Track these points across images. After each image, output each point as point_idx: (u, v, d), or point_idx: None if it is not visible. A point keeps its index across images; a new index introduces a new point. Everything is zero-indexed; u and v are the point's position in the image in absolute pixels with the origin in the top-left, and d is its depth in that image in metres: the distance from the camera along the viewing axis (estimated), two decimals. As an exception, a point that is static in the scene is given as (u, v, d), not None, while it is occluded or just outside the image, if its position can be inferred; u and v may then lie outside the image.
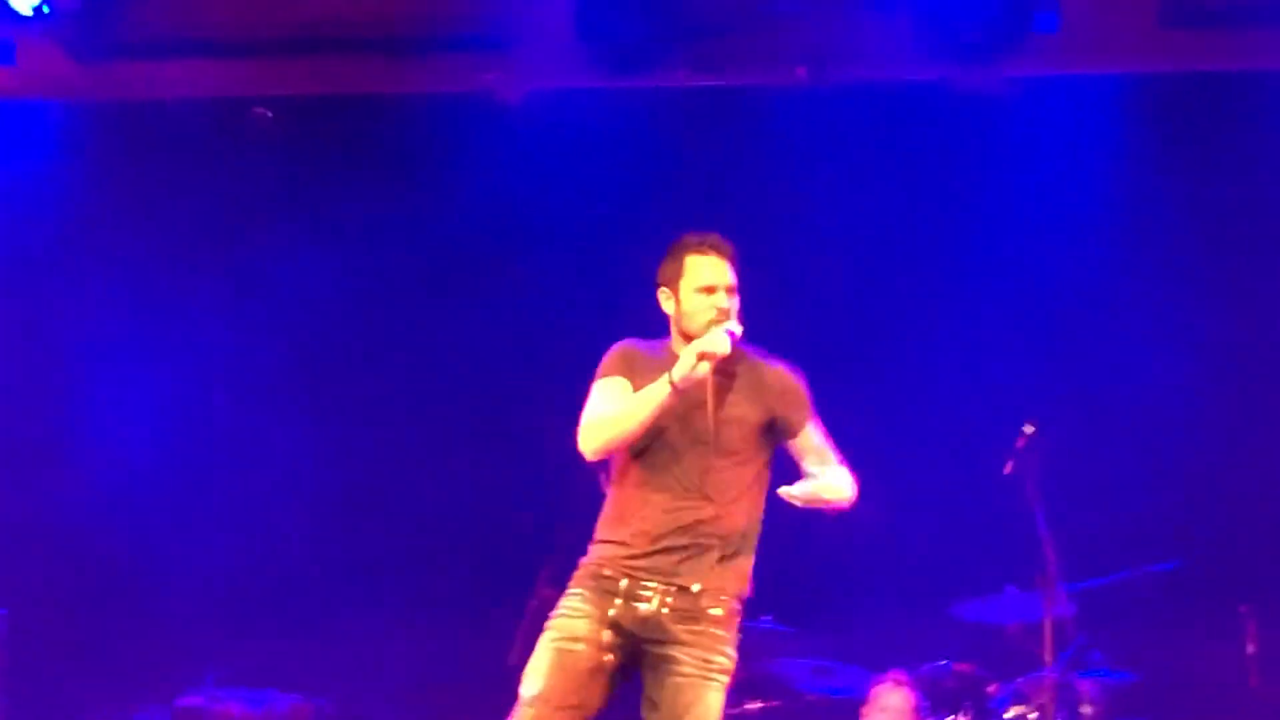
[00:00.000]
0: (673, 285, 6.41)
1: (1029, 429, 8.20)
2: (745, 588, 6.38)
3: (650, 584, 6.27)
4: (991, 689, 9.39)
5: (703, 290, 6.35)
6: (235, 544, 10.62)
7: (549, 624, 6.36)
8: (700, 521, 6.28)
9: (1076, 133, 10.38)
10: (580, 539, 6.58)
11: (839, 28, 10.06)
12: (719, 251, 6.38)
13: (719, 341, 6.21)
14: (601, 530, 6.43)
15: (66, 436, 10.82)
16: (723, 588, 6.30)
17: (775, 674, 9.33)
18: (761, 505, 6.41)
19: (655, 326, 6.49)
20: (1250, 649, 8.59)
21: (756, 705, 9.25)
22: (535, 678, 6.27)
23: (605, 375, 6.40)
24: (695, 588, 6.26)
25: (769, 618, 9.03)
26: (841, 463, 6.49)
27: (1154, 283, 10.30)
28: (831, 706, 9.39)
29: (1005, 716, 9.30)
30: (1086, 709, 9.13)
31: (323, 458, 10.71)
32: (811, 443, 6.45)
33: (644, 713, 6.30)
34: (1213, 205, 10.26)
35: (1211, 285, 10.26)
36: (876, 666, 9.09)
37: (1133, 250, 10.34)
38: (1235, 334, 10.29)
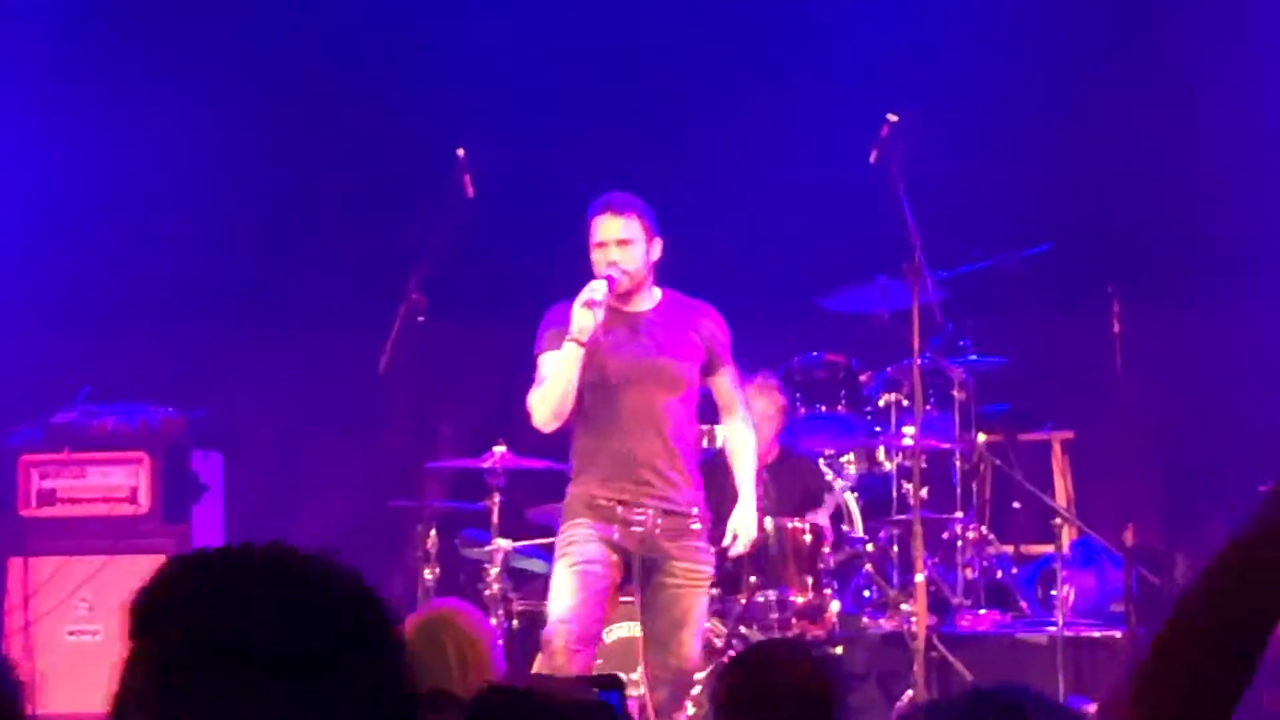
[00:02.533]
0: (588, 248, 7.14)
1: (892, 117, 8.18)
2: (703, 498, 7.22)
3: (639, 508, 7.04)
4: (864, 378, 9.50)
5: (596, 247, 7.10)
6: (110, 260, 10.50)
7: (563, 551, 7.10)
8: (655, 452, 7.06)
9: None
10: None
11: None
12: (610, 209, 7.11)
13: (596, 289, 6.95)
14: (578, 472, 7.20)
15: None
16: (694, 502, 7.15)
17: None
18: (694, 422, 7.29)
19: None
20: (1115, 329, 8.68)
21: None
22: (563, 598, 7.03)
23: (538, 352, 7.16)
24: (677, 508, 7.07)
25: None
26: (746, 415, 7.46)
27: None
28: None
29: (878, 403, 9.43)
30: (957, 393, 9.26)
31: (200, 177, 10.58)
32: (725, 385, 7.34)
33: (643, 618, 7.16)
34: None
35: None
36: (750, 361, 9.14)
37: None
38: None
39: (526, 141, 10.03)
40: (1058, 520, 9.07)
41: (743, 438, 7.41)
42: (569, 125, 10.25)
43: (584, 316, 6.93)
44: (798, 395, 9.28)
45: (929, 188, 8.51)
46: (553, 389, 7.03)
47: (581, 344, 6.95)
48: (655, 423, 7.08)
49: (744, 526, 7.31)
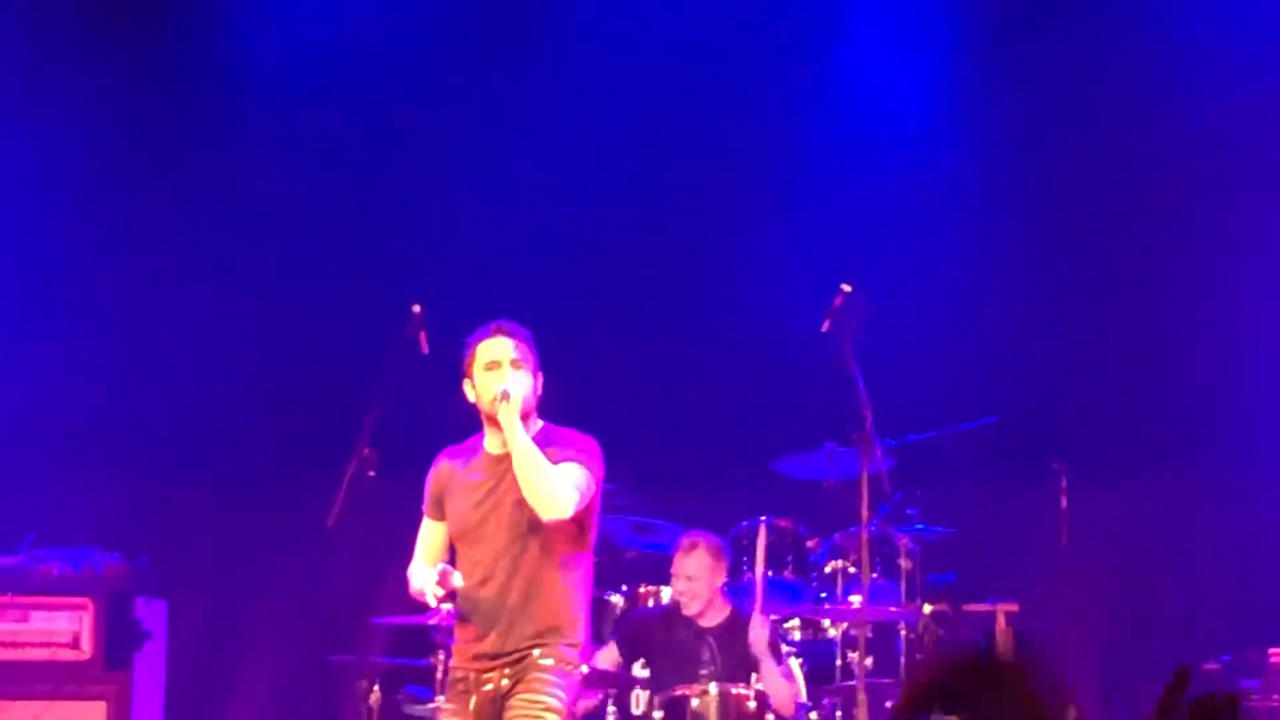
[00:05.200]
0: (469, 373, 7.03)
1: (846, 287, 8.26)
2: (571, 636, 6.90)
3: (489, 672, 6.86)
4: (811, 544, 9.52)
5: (489, 367, 6.95)
6: (58, 403, 10.49)
7: None
8: (495, 598, 6.87)
9: None
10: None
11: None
12: (503, 332, 7.01)
13: (512, 382, 6.85)
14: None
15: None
16: (543, 642, 6.83)
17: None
18: (576, 569, 6.95)
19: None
20: (1062, 504, 8.75)
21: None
22: None
23: (424, 514, 7.17)
24: (522, 654, 6.83)
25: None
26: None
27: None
28: (649, 561, 9.49)
29: (824, 570, 9.44)
30: (904, 562, 9.28)
31: (151, 323, 10.60)
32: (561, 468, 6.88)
33: None
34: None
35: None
36: (695, 523, 9.17)
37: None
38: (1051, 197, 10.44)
39: (480, 299, 10.08)
40: (1001, 692, 9.03)
41: None
42: (525, 285, 10.31)
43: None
44: (744, 560, 9.29)
45: (879, 357, 8.58)
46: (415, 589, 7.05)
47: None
48: (522, 569, 6.90)
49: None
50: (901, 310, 9.82)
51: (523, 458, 6.81)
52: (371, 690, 8.59)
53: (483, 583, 6.90)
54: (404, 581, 9.28)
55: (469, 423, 9.56)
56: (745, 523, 9.36)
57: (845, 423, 8.42)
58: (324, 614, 10.06)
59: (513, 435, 6.85)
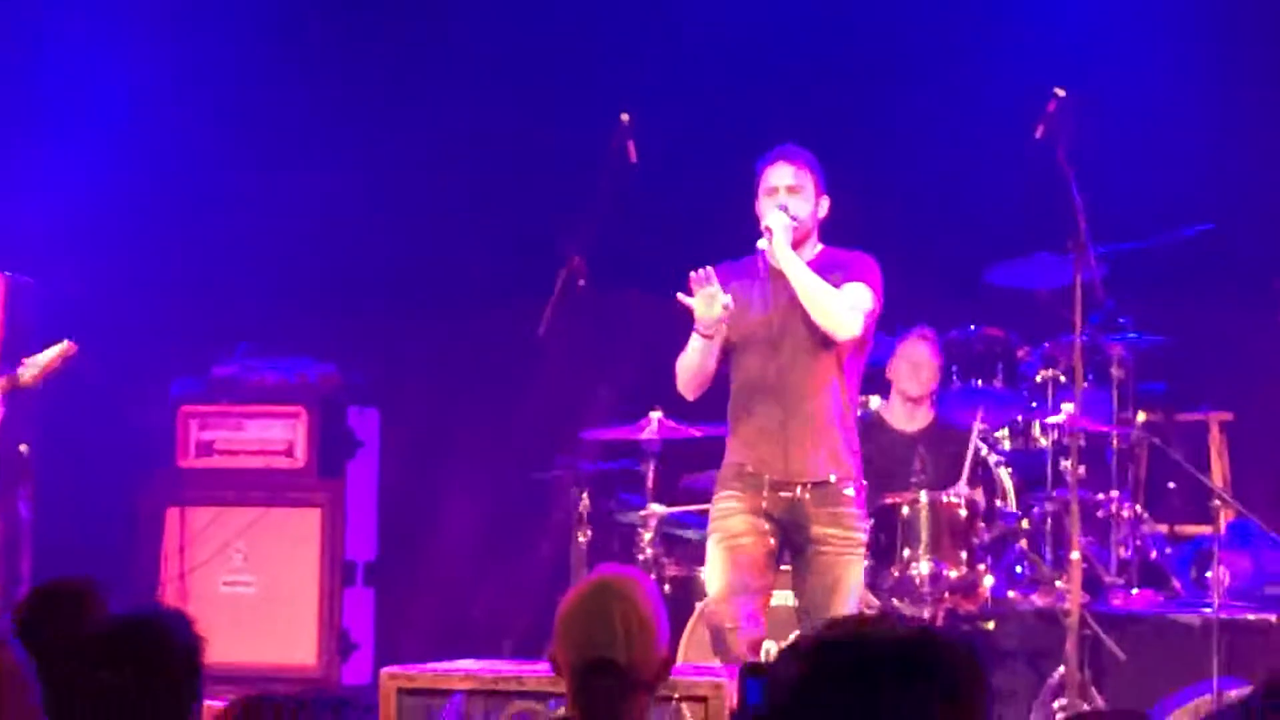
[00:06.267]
0: (756, 197, 7.23)
1: (1060, 92, 8.11)
2: (857, 464, 7.15)
3: (787, 475, 7.01)
4: (1021, 353, 9.44)
5: (766, 193, 7.19)
6: (272, 220, 10.60)
7: (711, 528, 7.13)
8: (803, 417, 7.02)
9: None
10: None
11: None
12: (784, 158, 7.21)
13: (772, 218, 7.05)
14: (730, 436, 7.21)
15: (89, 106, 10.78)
16: (844, 469, 7.07)
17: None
18: (851, 387, 7.19)
19: None
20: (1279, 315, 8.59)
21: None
22: (715, 578, 7.05)
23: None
24: (827, 476, 7.02)
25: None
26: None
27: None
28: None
29: (1035, 379, 9.37)
30: (1115, 371, 9.19)
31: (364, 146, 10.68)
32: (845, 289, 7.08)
33: (794, 588, 7.14)
34: None
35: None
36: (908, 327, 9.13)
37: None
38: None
39: (690, 109, 10.04)
40: (1215, 501, 8.98)
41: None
42: (732, 94, 10.24)
43: (703, 308, 6.97)
44: (954, 368, 9.24)
45: (1093, 163, 8.43)
46: (684, 369, 7.16)
47: (706, 336, 7.02)
48: (802, 386, 7.06)
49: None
50: (1119, 115, 9.63)
51: (802, 287, 7.01)
52: (582, 497, 8.67)
53: (769, 393, 7.05)
54: (617, 390, 9.37)
55: (678, 233, 9.59)
56: (955, 331, 9.30)
57: (1059, 230, 8.31)
58: (535, 424, 10.17)
59: (786, 267, 7.04)
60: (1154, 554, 9.22)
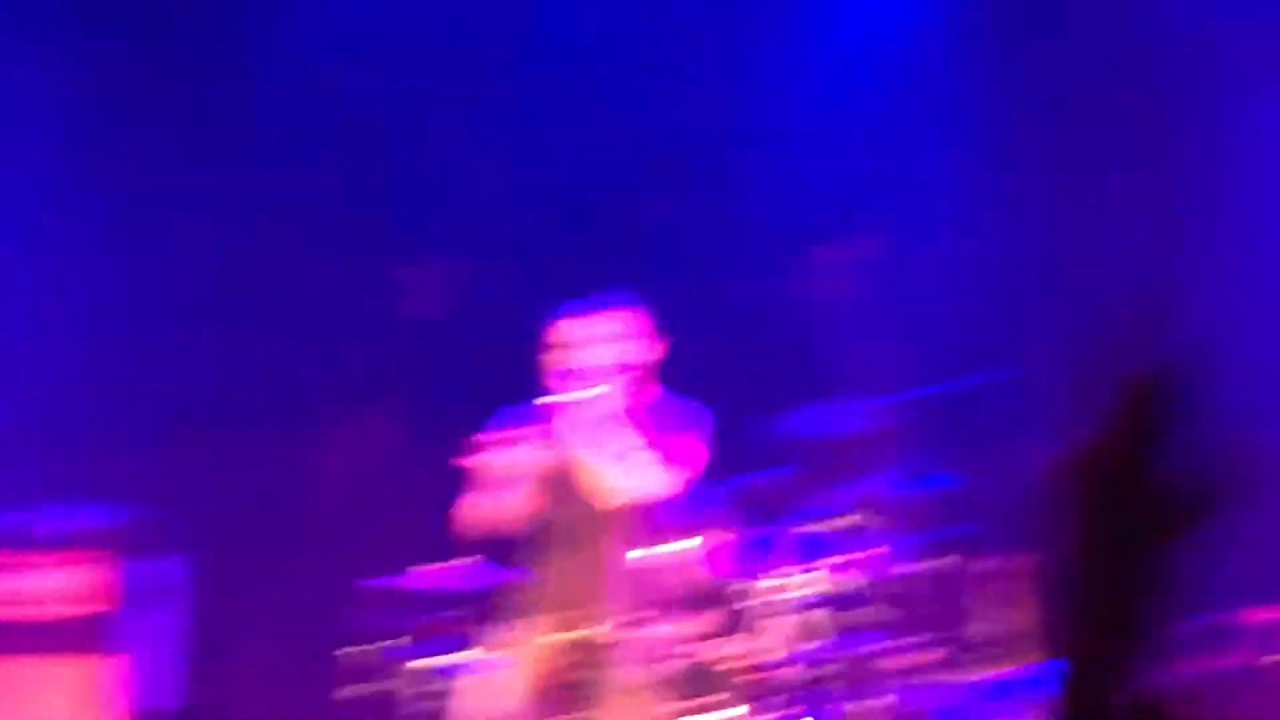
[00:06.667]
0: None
1: (865, 243, 8.24)
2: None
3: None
4: (819, 498, 9.46)
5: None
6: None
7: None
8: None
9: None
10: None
11: None
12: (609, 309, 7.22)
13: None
14: None
15: None
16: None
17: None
18: None
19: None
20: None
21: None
22: None
23: None
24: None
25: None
26: None
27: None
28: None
29: (834, 525, 9.38)
30: (915, 517, 9.22)
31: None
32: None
33: None
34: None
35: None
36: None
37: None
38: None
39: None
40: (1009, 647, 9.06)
41: None
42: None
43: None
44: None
45: (899, 311, 8.54)
46: None
47: None
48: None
49: None
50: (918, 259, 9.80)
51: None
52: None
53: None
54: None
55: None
56: (750, 475, 9.31)
57: (861, 374, 8.38)
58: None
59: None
60: (949, 702, 9.23)
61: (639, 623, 7.02)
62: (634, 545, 6.96)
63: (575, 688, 7.00)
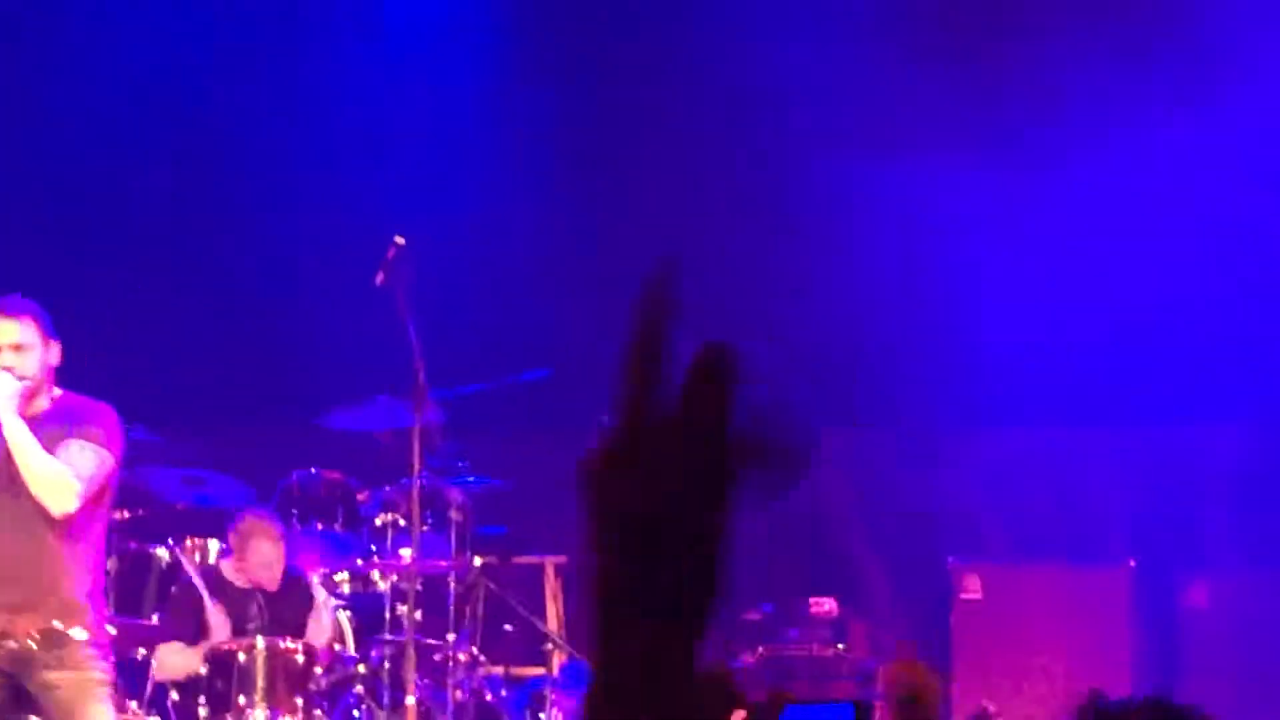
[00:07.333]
0: None
1: (400, 240, 8.26)
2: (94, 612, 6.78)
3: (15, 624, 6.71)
4: (362, 496, 9.48)
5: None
6: None
7: None
8: (19, 559, 6.68)
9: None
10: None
11: None
12: (2, 314, 6.71)
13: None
14: None
15: None
16: (71, 613, 6.70)
17: (144, 484, 9.17)
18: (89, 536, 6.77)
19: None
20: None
21: (124, 514, 9.07)
22: None
23: None
24: (52, 623, 6.69)
25: (140, 427, 8.80)
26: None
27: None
28: (201, 515, 9.32)
29: (375, 522, 9.40)
30: (454, 514, 9.30)
31: None
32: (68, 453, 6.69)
33: None
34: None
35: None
36: (247, 476, 9.07)
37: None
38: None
39: None
40: (548, 644, 9.18)
41: None
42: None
43: None
44: (294, 512, 9.21)
45: (434, 309, 8.58)
46: None
47: None
48: (28, 533, 6.71)
49: None
50: (455, 260, 9.84)
51: (23, 463, 6.67)
52: None
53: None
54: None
55: None
56: (296, 474, 9.28)
57: (398, 375, 8.40)
58: None
59: (12, 437, 6.68)
60: (489, 696, 9.33)
61: (82, 614, 6.71)
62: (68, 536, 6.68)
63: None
